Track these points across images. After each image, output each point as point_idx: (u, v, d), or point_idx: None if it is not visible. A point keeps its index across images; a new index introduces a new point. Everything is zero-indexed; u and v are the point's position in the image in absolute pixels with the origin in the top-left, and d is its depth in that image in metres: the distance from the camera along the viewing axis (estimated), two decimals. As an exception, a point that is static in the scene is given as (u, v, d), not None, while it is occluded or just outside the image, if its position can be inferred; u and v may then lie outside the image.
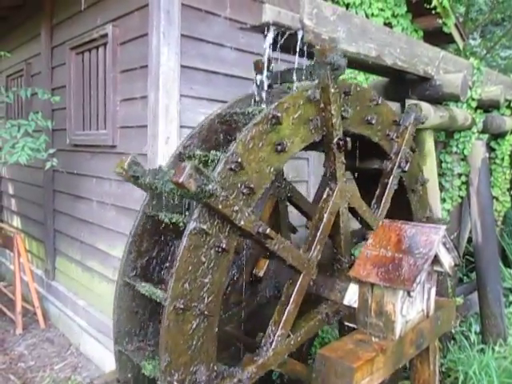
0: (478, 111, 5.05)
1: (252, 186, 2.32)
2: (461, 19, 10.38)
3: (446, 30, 6.28)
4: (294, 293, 2.64)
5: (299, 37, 2.85)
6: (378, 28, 3.62)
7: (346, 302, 2.95)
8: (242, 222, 2.27)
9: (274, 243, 2.49)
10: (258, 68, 3.03)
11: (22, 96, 5.27)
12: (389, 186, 3.25)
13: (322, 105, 2.69)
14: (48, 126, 5.07)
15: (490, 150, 5.69)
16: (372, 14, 5.39)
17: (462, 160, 5.11)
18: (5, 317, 6.24)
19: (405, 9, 5.92)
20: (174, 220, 2.40)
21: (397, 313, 2.65)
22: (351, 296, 2.94)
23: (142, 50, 4.07)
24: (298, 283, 2.66)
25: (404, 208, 3.53)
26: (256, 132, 2.36)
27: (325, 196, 2.86)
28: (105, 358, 4.77)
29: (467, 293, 5.67)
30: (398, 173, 3.30)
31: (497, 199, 5.73)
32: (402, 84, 4.36)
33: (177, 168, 2.07)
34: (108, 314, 4.46)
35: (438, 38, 6.38)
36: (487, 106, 5.23)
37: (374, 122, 3.05)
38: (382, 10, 5.53)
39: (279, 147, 2.44)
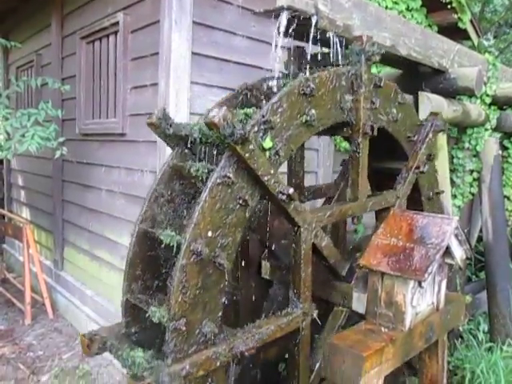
0: (492, 108, 4.98)
1: (279, 150, 2.31)
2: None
3: (461, 25, 6.17)
4: (302, 254, 2.58)
5: (313, 22, 2.81)
6: (393, 17, 3.56)
7: (354, 308, 2.96)
8: (266, 178, 2.25)
9: (293, 206, 2.46)
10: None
11: (33, 85, 5.24)
12: (406, 183, 3.23)
13: (353, 88, 2.71)
14: (58, 115, 5.07)
15: (503, 148, 5.61)
16: (386, 7, 5.31)
17: (474, 156, 5.05)
18: (14, 307, 6.27)
19: (419, 3, 5.83)
20: (199, 169, 2.35)
21: (407, 303, 2.60)
22: (356, 303, 2.93)
23: (153, 38, 4.04)
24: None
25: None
26: (288, 98, 2.35)
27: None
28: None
29: (476, 291, 5.61)
30: (415, 173, 3.27)
31: (508, 198, 5.64)
32: (416, 76, 4.30)
33: (212, 110, 2.07)
34: (116, 303, 4.44)
35: (452, 33, 6.21)
36: (502, 104, 5.15)
37: (398, 119, 3.06)
38: (396, 3, 5.45)
39: (308, 118, 2.43)
